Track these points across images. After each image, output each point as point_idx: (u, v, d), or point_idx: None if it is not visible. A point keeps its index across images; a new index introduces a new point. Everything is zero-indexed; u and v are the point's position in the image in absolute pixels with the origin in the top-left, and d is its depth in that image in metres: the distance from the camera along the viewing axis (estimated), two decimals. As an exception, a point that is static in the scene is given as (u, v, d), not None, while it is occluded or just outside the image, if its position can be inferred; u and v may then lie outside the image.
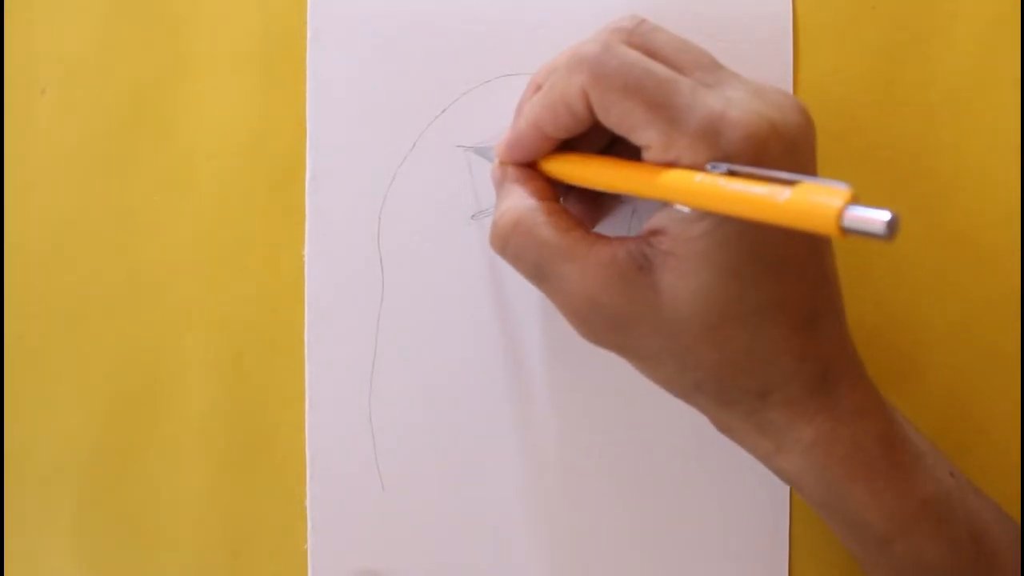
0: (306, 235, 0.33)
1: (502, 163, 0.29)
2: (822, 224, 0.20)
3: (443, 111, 0.33)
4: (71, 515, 0.33)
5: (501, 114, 0.32)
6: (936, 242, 0.33)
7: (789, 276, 0.25)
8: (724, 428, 0.28)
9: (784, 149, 0.24)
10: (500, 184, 0.29)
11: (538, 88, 0.28)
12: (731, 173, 0.23)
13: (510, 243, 0.27)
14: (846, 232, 0.19)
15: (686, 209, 0.24)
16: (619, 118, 0.25)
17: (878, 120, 0.33)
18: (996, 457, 0.33)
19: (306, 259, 0.33)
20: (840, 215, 0.19)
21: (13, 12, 0.34)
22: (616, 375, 0.33)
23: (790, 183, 0.21)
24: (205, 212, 0.34)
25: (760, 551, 0.33)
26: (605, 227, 0.32)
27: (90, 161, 0.34)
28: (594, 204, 0.31)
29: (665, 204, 0.25)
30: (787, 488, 0.33)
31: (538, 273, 0.27)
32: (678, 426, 0.33)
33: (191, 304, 0.33)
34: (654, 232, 0.26)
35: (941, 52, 0.33)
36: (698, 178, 0.23)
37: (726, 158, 0.24)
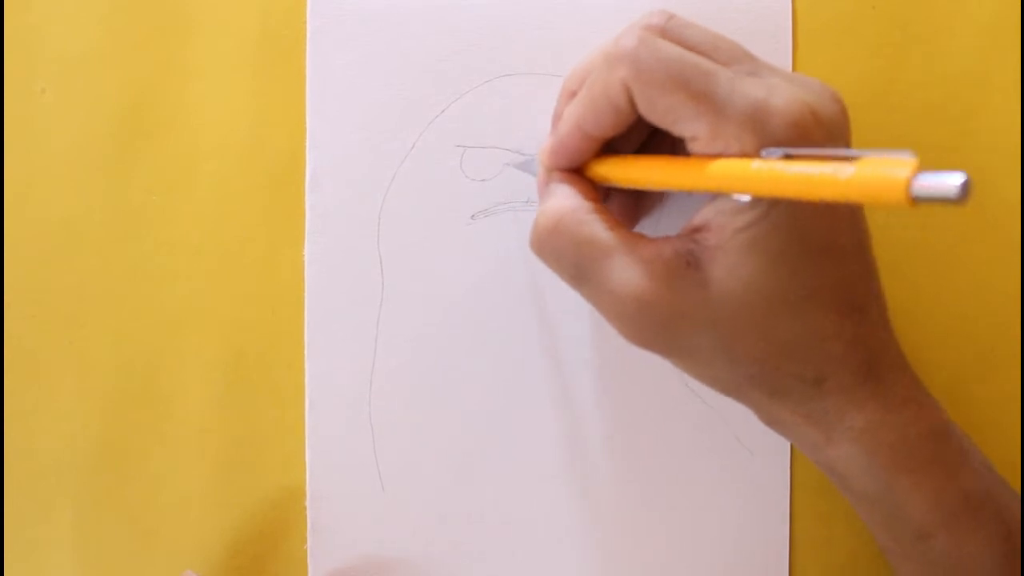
0: (306, 235, 0.33)
1: (547, 169, 0.29)
2: (891, 195, 0.19)
3: (443, 111, 0.33)
4: (71, 515, 0.33)
5: (501, 114, 0.32)
6: (936, 242, 0.33)
7: (834, 261, 0.25)
8: (772, 421, 0.28)
9: (824, 135, 0.24)
10: (544, 188, 0.29)
11: (572, 94, 0.28)
12: (787, 157, 0.23)
13: (549, 243, 0.27)
14: (916, 201, 0.19)
15: (746, 198, 0.24)
16: (664, 111, 0.25)
17: (878, 120, 0.33)
18: (996, 457, 0.33)
19: (306, 259, 0.33)
20: (909, 184, 0.19)
21: (13, 12, 0.34)
22: (616, 373, 0.33)
23: (850, 159, 0.20)
24: (205, 212, 0.34)
25: (760, 551, 0.33)
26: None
27: (90, 161, 0.34)
28: (634, 207, 0.31)
29: (712, 198, 0.25)
30: (787, 488, 0.33)
31: (579, 274, 0.27)
32: (677, 425, 0.33)
33: (191, 304, 0.33)
34: (698, 229, 0.26)
35: (941, 52, 0.33)
36: (755, 165, 0.23)
37: (773, 144, 0.24)
